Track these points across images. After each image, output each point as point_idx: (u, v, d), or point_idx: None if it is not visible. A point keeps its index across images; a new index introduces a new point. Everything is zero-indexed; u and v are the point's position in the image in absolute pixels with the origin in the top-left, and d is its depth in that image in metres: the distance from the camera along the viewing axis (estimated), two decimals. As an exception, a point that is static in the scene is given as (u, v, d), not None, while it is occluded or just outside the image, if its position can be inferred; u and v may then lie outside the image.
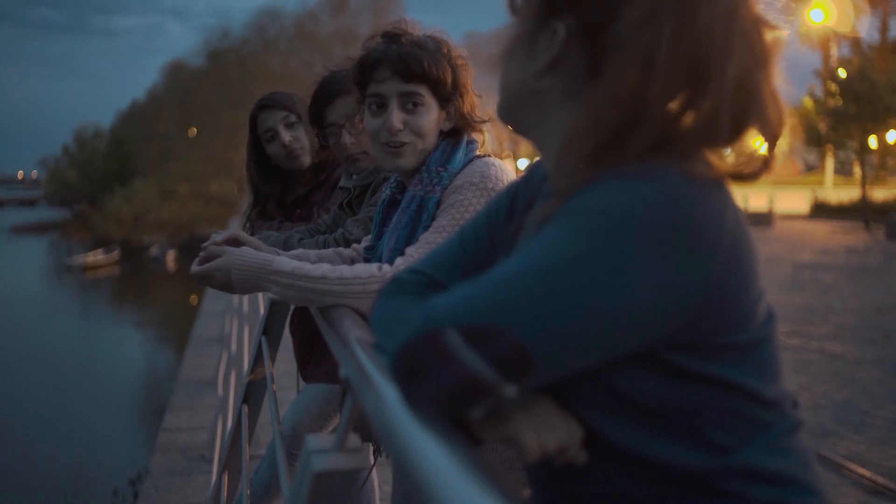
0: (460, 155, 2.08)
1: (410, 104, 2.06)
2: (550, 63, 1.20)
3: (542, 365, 1.04)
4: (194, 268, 2.09)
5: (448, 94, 2.08)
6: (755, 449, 1.14)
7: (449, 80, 2.06)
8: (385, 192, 2.24)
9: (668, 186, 1.05)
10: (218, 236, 2.17)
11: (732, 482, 1.13)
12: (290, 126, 3.16)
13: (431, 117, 2.07)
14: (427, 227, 2.00)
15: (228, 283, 2.02)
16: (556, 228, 1.08)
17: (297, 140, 3.16)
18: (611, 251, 1.02)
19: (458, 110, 2.10)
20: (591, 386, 1.13)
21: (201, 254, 2.10)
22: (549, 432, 1.12)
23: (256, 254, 2.00)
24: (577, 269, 1.03)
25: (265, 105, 3.19)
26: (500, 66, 1.30)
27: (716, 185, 1.10)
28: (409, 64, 2.02)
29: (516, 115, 1.32)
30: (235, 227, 2.29)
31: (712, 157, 1.15)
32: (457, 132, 2.12)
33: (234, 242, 2.20)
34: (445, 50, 2.08)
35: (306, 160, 3.19)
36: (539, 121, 1.27)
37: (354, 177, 2.69)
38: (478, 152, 2.11)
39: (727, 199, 1.11)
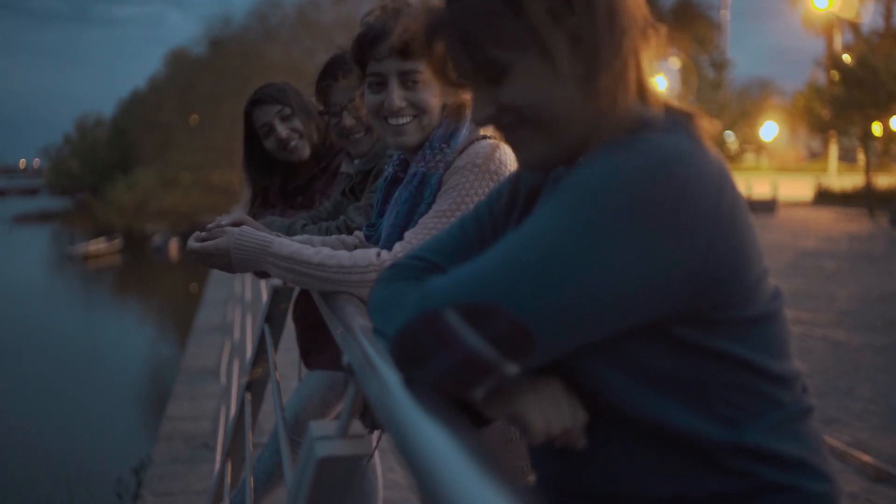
0: (464, 132, 2.05)
1: (410, 82, 2.03)
2: (587, 63, 1.16)
3: (542, 341, 1.04)
4: (192, 244, 2.06)
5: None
6: (764, 429, 1.13)
7: None
8: (388, 170, 2.21)
9: (660, 157, 1.06)
10: (224, 219, 2.15)
11: (742, 462, 1.13)
12: (285, 119, 3.13)
13: (433, 91, 2.05)
14: (429, 204, 1.98)
15: (227, 263, 2.00)
16: (549, 207, 1.08)
17: (295, 132, 3.13)
18: (604, 223, 1.03)
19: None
20: (599, 356, 1.13)
21: (202, 234, 2.08)
22: (555, 414, 1.12)
23: (257, 234, 1.98)
24: (571, 243, 1.03)
25: (258, 100, 3.16)
26: (536, 110, 1.19)
27: (711, 158, 1.10)
28: (407, 42, 2.00)
29: (567, 149, 1.23)
30: (241, 212, 2.27)
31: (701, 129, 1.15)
32: (461, 108, 2.10)
33: (238, 226, 2.18)
34: None
35: (305, 152, 3.16)
36: (577, 135, 1.21)
37: (356, 162, 2.68)
38: (482, 132, 2.09)
39: (723, 170, 1.11)
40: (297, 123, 3.13)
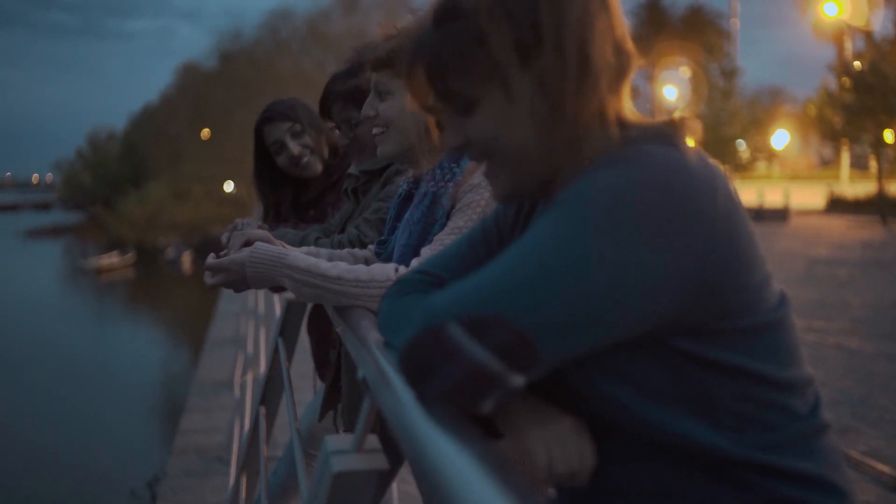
0: None
1: (381, 93, 2.09)
2: (552, 101, 1.16)
3: (544, 349, 1.04)
4: (210, 261, 2.07)
5: None
6: (777, 444, 1.13)
7: None
8: (402, 187, 2.23)
9: (654, 166, 1.06)
10: (234, 245, 2.15)
11: (753, 476, 1.12)
12: (296, 136, 3.15)
13: (397, 104, 2.07)
14: (443, 225, 1.97)
15: (242, 279, 2.00)
16: (546, 219, 1.09)
17: (306, 148, 3.15)
18: (600, 231, 1.04)
19: None
20: (603, 374, 1.13)
21: (219, 257, 2.09)
22: (560, 454, 1.12)
23: (272, 247, 1.97)
24: (569, 252, 1.04)
25: (268, 118, 3.18)
26: (499, 144, 1.22)
27: (705, 165, 1.11)
28: (379, 55, 2.05)
29: (534, 180, 1.25)
30: (249, 228, 2.26)
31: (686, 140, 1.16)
32: None
33: (248, 244, 2.19)
34: None
35: (317, 167, 3.18)
36: (548, 167, 1.23)
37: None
38: None
39: (717, 176, 1.11)
40: (308, 139, 3.15)
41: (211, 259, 2.06)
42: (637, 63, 1.22)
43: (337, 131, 2.69)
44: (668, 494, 1.16)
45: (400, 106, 2.07)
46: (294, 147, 3.13)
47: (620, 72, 1.19)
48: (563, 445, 1.12)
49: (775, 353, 1.15)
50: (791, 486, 1.13)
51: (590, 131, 1.16)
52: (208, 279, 2.06)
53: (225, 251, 2.09)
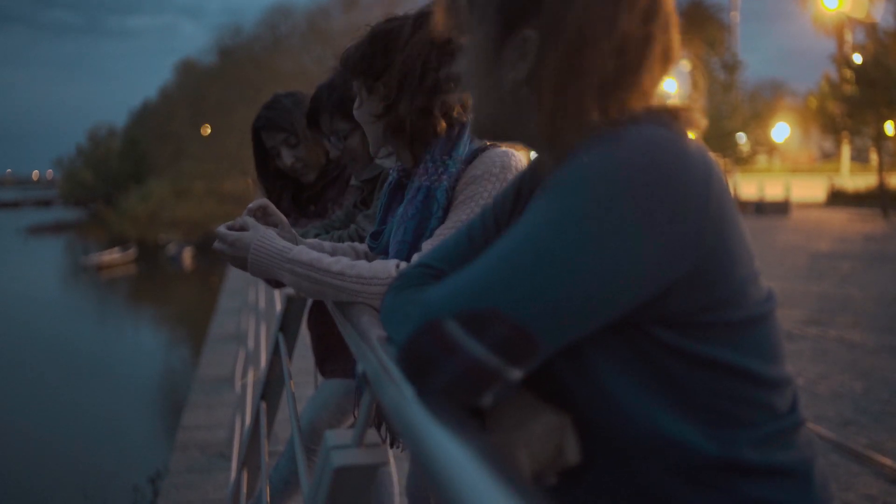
0: (465, 141, 2.00)
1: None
2: (530, 72, 1.18)
3: (543, 340, 1.04)
4: (220, 229, 2.05)
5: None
6: (755, 441, 1.12)
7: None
8: (392, 175, 2.18)
9: (645, 146, 1.05)
10: (252, 205, 2.17)
11: (729, 477, 1.11)
12: (291, 147, 3.17)
13: (366, 108, 2.10)
14: (439, 219, 1.94)
15: (243, 261, 1.98)
16: (537, 205, 1.09)
17: (300, 160, 3.17)
18: (591, 215, 1.02)
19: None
20: (584, 366, 1.13)
21: (235, 224, 2.07)
22: (541, 451, 1.11)
23: (279, 241, 1.95)
24: (560, 238, 1.03)
25: (265, 126, 3.19)
26: (468, 85, 1.30)
27: (697, 149, 1.10)
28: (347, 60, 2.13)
29: (497, 128, 1.30)
30: (264, 199, 2.26)
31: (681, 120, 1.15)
32: (456, 118, 2.02)
33: (262, 211, 2.19)
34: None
35: (310, 177, 3.21)
36: (521, 126, 1.26)
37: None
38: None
39: (710, 163, 1.10)
40: (302, 151, 3.17)
41: (223, 228, 2.05)
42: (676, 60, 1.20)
43: (327, 142, 2.69)
44: (644, 495, 1.15)
45: (365, 112, 2.10)
46: (287, 158, 3.16)
47: (621, 73, 1.15)
48: (544, 442, 1.11)
49: (760, 349, 1.14)
50: (765, 484, 1.12)
51: (577, 122, 1.15)
52: (216, 244, 2.05)
53: (241, 220, 2.08)
